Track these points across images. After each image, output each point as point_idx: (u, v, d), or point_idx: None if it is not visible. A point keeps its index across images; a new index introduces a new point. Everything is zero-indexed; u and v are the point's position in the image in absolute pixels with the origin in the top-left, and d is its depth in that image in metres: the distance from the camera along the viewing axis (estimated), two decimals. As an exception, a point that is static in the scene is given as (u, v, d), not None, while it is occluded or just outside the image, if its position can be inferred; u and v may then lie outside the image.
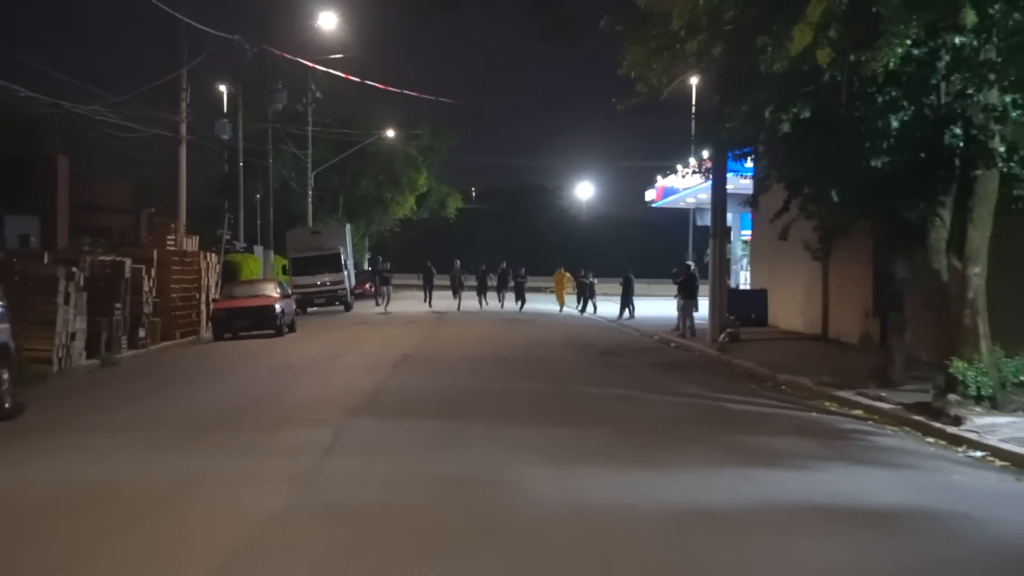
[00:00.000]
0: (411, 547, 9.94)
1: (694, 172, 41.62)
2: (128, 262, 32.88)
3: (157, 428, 17.82)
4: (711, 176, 36.93)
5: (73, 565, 9.50)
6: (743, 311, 36.84)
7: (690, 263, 42.94)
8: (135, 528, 10.82)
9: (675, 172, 61.77)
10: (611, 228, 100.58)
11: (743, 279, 43.53)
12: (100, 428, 17.94)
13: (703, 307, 38.50)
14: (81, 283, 28.33)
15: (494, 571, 9.19)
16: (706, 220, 60.76)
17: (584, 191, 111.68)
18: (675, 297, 42.17)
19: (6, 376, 19.07)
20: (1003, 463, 14.50)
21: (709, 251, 37.83)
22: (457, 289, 55.42)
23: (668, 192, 66.97)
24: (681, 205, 65.39)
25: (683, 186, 60.89)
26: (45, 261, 28.42)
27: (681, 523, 10.86)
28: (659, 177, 70.31)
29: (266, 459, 14.44)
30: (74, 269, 28.20)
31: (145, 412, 20.14)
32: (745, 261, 45.95)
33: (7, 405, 18.87)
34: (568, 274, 50.98)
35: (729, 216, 42.76)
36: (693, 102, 38.63)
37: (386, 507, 11.56)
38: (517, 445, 15.49)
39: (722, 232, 37.58)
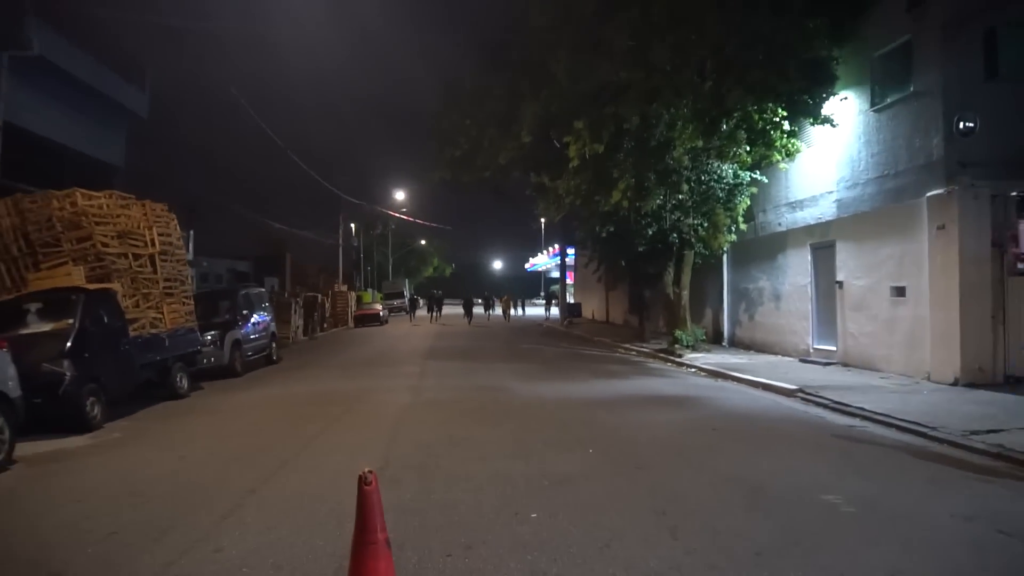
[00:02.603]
0: (471, 417, 9.11)
1: (549, 255, 41.53)
2: (319, 296, 31.76)
3: (343, 366, 16.67)
4: (561, 256, 36.91)
5: (331, 424, 8.57)
6: (572, 311, 36.20)
7: (552, 291, 42.67)
8: (349, 411, 9.88)
9: (538, 254, 62.00)
10: (510, 279, 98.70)
11: (570, 298, 42.76)
12: (316, 366, 16.79)
13: (555, 310, 37.86)
14: (300, 304, 27.08)
15: (511, 425, 8.36)
16: (551, 275, 60.67)
17: (498, 264, 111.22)
18: (543, 305, 42.30)
19: (274, 345, 17.90)
20: (704, 374, 13.84)
21: (555, 287, 38.07)
22: (434, 307, 41.34)
23: (535, 264, 66.85)
24: (540, 269, 64.69)
25: (541, 262, 60.67)
26: (285, 296, 27.14)
27: (588, 405, 10.03)
28: (531, 258, 70.35)
29: (396, 380, 13.35)
30: (297, 299, 27.04)
31: (336, 359, 18.93)
32: (570, 291, 45.14)
33: (275, 358, 17.65)
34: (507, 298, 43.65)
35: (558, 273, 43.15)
36: (542, 222, 38.60)
37: (455, 400, 10.67)
38: (501, 371, 14.52)
39: (563, 279, 37.29)
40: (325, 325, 32.55)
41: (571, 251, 38.58)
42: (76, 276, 9.64)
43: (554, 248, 47.54)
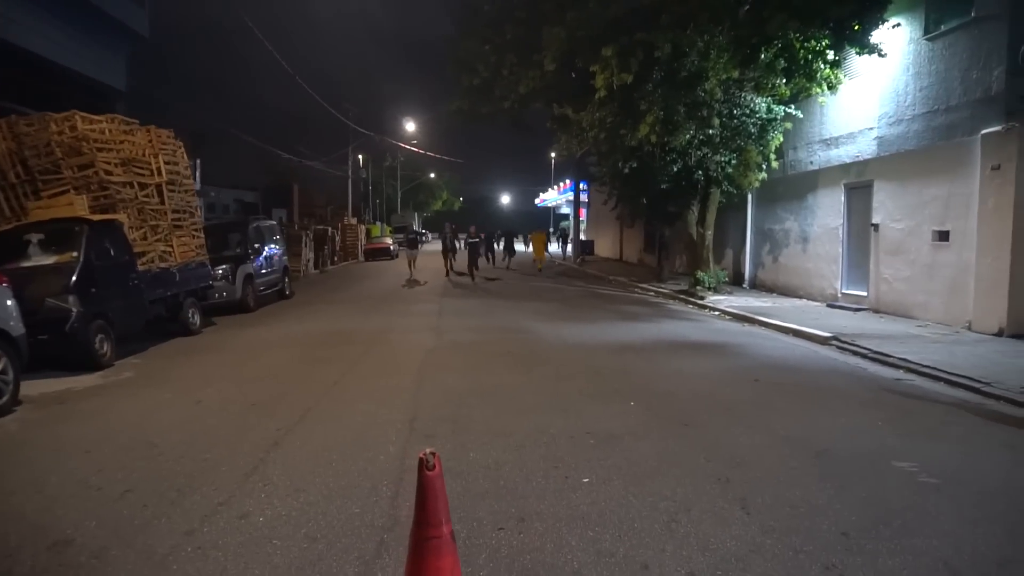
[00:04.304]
0: (498, 362, 8.53)
1: (560, 191, 40.36)
2: (329, 229, 31.00)
3: (356, 301, 16.25)
4: (575, 192, 35.92)
5: (352, 368, 8.04)
6: (584, 249, 35.54)
7: (563, 227, 41.92)
8: (369, 352, 9.35)
9: (548, 190, 60.73)
10: (519, 213, 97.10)
11: (582, 235, 42.03)
12: (330, 302, 16.35)
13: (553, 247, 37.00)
14: (311, 237, 26.48)
15: (542, 372, 7.77)
16: (560, 211, 59.56)
17: (506, 199, 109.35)
18: (556, 242, 41.45)
19: (287, 280, 17.39)
20: (729, 318, 13.38)
21: (565, 223, 37.06)
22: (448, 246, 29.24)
23: (544, 200, 65.60)
24: (550, 205, 63.47)
25: (551, 197, 59.53)
26: (295, 228, 26.50)
27: (618, 350, 9.53)
28: (541, 193, 69.05)
29: (414, 318, 12.92)
30: (307, 232, 26.41)
31: (349, 293, 18.49)
32: (583, 227, 44.16)
33: (287, 292, 17.19)
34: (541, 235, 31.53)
35: (568, 208, 42.31)
36: (553, 157, 37.46)
37: (479, 343, 10.10)
38: (520, 311, 14.07)
39: (576, 215, 36.38)
40: (335, 259, 32.04)
41: (584, 186, 37.65)
42: (79, 206, 9.05)
43: (565, 183, 46.40)
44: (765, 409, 6.33)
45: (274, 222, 18.68)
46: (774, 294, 16.82)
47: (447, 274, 24.04)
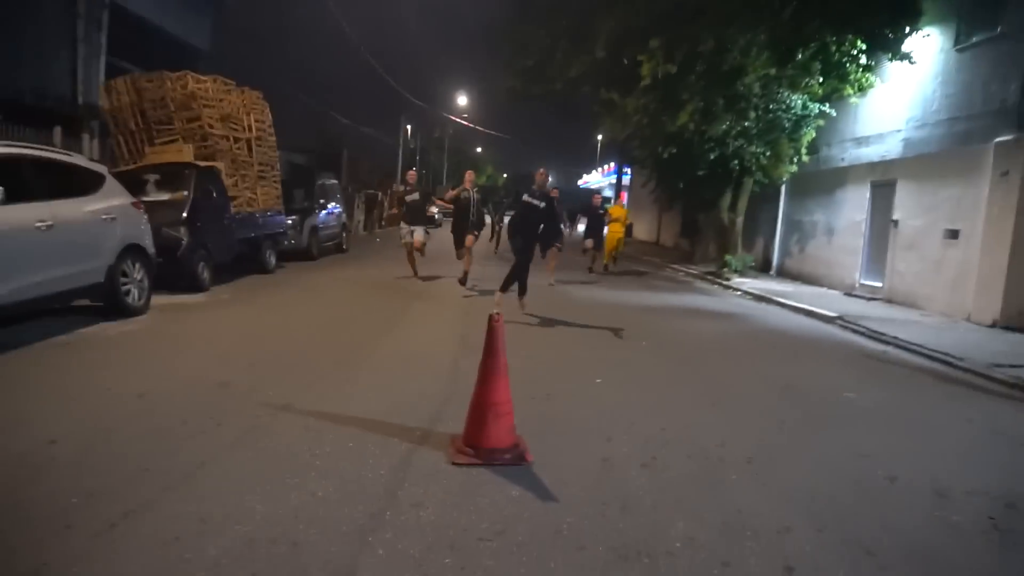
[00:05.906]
0: (532, 306, 9.91)
1: (603, 174, 41.39)
2: (379, 194, 32.58)
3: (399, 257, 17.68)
4: (617, 175, 36.88)
5: (411, 302, 9.52)
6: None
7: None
8: (423, 292, 10.82)
9: (591, 171, 61.74)
10: (562, 193, 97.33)
11: (621, 218, 42.92)
12: (384, 256, 17.71)
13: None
14: (363, 200, 28.13)
15: (568, 317, 9.14)
16: (603, 193, 60.57)
17: (548, 178, 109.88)
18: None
19: (345, 235, 18.91)
20: (749, 297, 14.46)
21: (608, 206, 37.91)
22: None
23: (587, 182, 66.61)
24: (593, 187, 64.29)
25: (594, 179, 60.49)
26: (348, 191, 28.14)
27: (643, 311, 10.88)
28: (584, 174, 70.04)
29: (458, 272, 14.32)
30: (359, 195, 28.07)
31: (398, 251, 19.75)
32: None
33: (344, 247, 18.72)
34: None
35: (610, 191, 43.24)
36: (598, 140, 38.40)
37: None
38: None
39: (617, 198, 37.34)
40: (383, 223, 33.70)
41: (627, 171, 38.64)
42: (187, 153, 10.67)
43: (608, 167, 47.38)
44: (755, 357, 7.64)
45: (335, 182, 20.23)
46: (798, 282, 17.80)
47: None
